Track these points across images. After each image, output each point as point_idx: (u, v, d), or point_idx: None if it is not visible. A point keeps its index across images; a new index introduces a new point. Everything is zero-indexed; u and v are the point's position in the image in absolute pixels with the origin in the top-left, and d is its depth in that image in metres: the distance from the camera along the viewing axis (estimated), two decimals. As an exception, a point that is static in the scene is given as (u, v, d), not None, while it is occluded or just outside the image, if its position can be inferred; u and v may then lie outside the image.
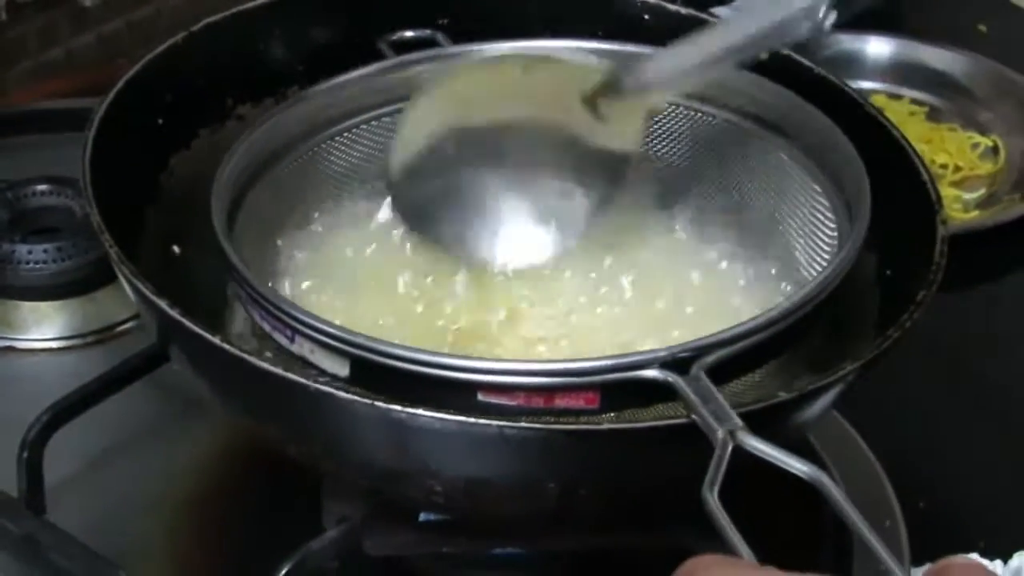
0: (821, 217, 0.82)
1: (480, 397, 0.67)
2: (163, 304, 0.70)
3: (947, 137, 1.28)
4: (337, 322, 0.72)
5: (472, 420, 0.65)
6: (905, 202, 0.80)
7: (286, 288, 0.84)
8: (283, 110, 0.87)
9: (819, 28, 0.70)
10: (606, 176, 0.86)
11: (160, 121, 0.87)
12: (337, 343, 0.70)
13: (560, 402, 0.67)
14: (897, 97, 1.34)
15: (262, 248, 0.84)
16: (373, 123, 0.90)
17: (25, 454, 0.85)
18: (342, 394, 0.66)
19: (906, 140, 0.84)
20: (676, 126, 0.90)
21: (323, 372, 0.71)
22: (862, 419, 0.93)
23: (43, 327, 1.03)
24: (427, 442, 0.67)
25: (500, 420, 0.65)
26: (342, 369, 0.70)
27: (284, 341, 0.73)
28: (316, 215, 0.89)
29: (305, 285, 0.85)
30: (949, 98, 1.33)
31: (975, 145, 1.28)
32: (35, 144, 1.20)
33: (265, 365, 0.67)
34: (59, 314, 1.03)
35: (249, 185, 0.83)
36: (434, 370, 0.68)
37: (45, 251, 1.03)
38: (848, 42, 1.35)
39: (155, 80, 0.86)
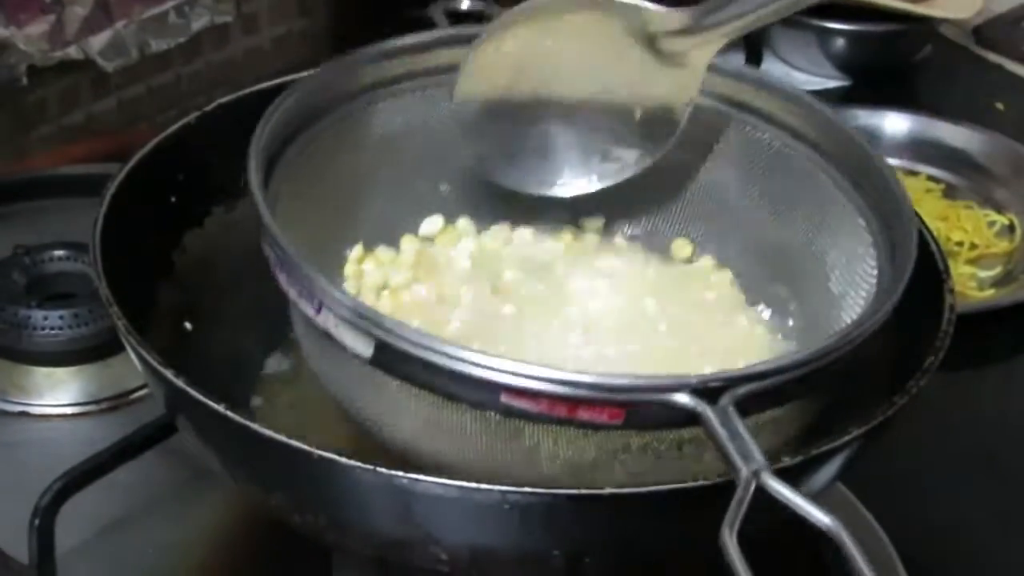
0: (863, 257, 0.81)
1: (503, 399, 0.65)
2: (168, 373, 0.71)
3: (963, 215, 1.28)
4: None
5: (474, 485, 0.65)
6: (914, 275, 0.80)
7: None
8: (329, 69, 0.84)
9: None
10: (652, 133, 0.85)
11: (173, 199, 0.88)
12: (363, 322, 0.67)
13: (583, 414, 0.65)
14: (914, 173, 1.34)
15: (298, 214, 0.81)
16: (417, 92, 0.87)
17: (37, 521, 0.85)
18: (344, 460, 0.66)
19: (917, 215, 0.83)
20: (726, 141, 0.88)
21: (345, 348, 0.69)
22: (873, 498, 0.93)
23: (58, 393, 1.04)
24: (429, 508, 0.67)
25: (502, 486, 0.65)
26: (366, 349, 0.68)
27: (310, 311, 0.70)
28: (353, 183, 0.87)
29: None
30: (966, 175, 1.33)
31: (991, 223, 1.28)
32: (54, 209, 1.21)
33: (269, 432, 0.67)
34: (74, 380, 1.04)
35: (287, 142, 0.81)
36: (460, 365, 0.65)
37: (61, 317, 1.04)
38: (865, 118, 1.36)
39: (167, 159, 0.87)
